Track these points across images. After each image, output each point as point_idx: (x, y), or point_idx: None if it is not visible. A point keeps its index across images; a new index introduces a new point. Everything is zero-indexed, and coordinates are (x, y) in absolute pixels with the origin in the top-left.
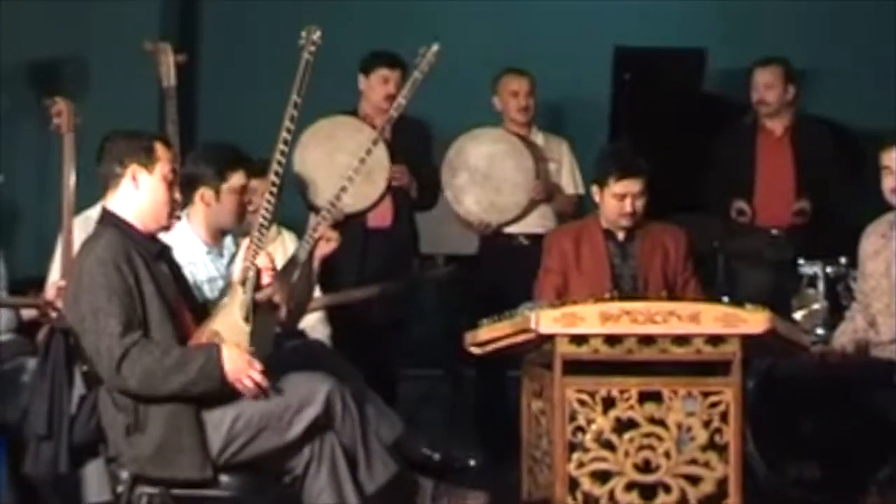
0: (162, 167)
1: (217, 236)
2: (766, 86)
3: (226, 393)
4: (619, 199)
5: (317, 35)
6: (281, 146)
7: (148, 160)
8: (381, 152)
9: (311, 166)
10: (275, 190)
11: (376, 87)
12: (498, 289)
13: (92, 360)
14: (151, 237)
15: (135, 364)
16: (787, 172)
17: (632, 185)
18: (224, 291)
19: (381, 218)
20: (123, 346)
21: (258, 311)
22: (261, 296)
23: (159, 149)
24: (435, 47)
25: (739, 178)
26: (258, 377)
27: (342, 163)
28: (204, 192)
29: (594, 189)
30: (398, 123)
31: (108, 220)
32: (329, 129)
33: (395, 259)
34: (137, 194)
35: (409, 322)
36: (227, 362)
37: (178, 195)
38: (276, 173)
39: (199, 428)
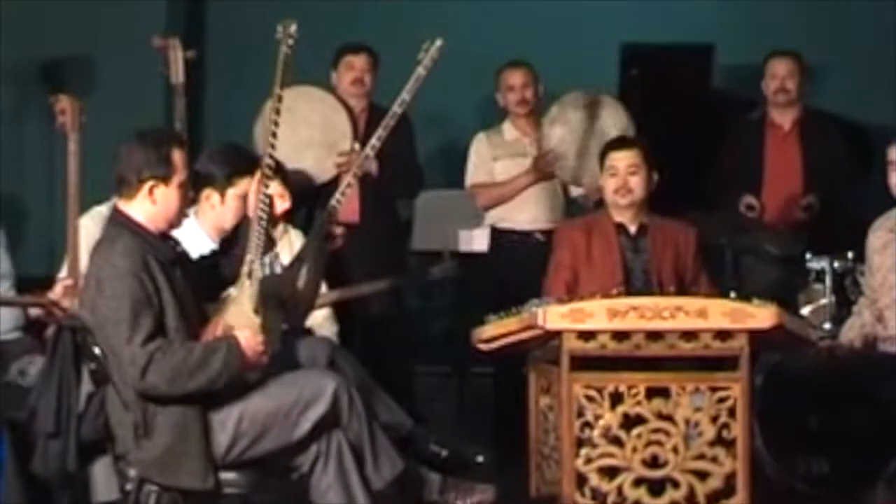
0: (178, 176)
1: (222, 235)
2: (788, 75)
3: (232, 390)
4: (611, 175)
5: (292, 28)
6: (270, 139)
7: (166, 173)
8: (345, 124)
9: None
10: (268, 183)
11: (343, 74)
12: (512, 286)
13: (109, 363)
14: (164, 237)
15: (161, 368)
16: (795, 167)
17: (620, 158)
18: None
19: (351, 213)
20: (147, 354)
21: (265, 307)
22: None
23: (176, 156)
24: (438, 43)
25: (747, 174)
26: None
27: (305, 136)
28: (210, 194)
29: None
30: (375, 112)
31: (121, 222)
32: (289, 101)
33: (369, 255)
34: (154, 206)
35: (417, 318)
36: (245, 346)
37: (190, 193)
38: (269, 166)
39: (205, 434)
